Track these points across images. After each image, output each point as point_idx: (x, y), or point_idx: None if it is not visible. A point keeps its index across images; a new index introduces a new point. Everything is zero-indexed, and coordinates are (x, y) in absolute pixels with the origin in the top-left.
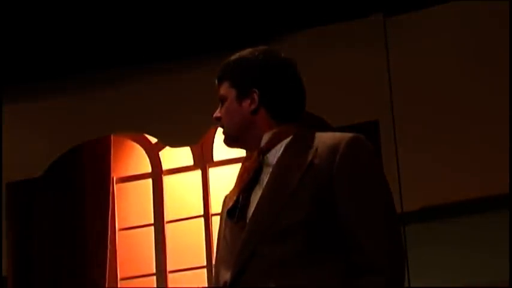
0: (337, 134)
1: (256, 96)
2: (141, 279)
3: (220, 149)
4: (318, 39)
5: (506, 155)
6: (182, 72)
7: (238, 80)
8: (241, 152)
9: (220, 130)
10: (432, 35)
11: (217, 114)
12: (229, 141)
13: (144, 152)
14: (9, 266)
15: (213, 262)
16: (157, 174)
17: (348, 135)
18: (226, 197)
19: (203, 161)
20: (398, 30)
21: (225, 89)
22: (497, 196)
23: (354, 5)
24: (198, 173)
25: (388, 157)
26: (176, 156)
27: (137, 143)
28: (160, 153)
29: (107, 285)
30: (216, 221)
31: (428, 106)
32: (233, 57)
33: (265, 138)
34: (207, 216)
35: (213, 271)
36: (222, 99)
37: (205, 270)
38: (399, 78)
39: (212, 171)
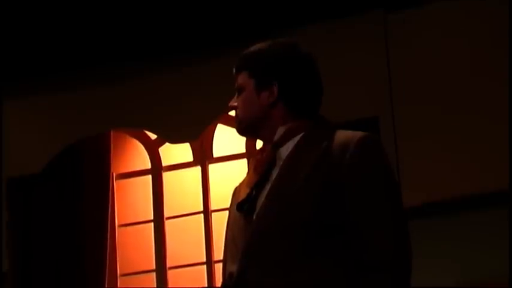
0: (349, 132)
1: (275, 89)
2: (140, 275)
3: (220, 145)
4: (318, 35)
5: (506, 151)
6: (182, 68)
7: (258, 71)
8: (241, 148)
9: (220, 126)
10: (433, 31)
11: (233, 103)
12: (243, 131)
13: (143, 148)
14: (9, 262)
15: (213, 257)
16: (156, 171)
17: (359, 134)
18: (235, 188)
19: (203, 157)
20: (398, 26)
21: (243, 79)
22: (497, 193)
23: (354, 0)
24: (197, 169)
25: (388, 153)
26: (176, 152)
27: (137, 139)
28: (159, 149)
29: (106, 282)
30: (215, 217)
31: (428, 102)
32: (253, 48)
33: (280, 131)
34: (206, 212)
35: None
36: (240, 89)
37: (205, 266)
38: (399, 74)
39: (212, 168)
